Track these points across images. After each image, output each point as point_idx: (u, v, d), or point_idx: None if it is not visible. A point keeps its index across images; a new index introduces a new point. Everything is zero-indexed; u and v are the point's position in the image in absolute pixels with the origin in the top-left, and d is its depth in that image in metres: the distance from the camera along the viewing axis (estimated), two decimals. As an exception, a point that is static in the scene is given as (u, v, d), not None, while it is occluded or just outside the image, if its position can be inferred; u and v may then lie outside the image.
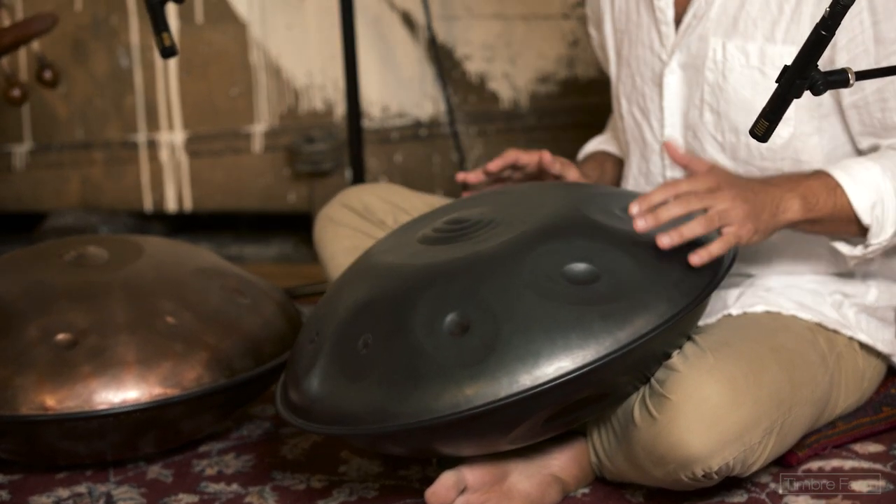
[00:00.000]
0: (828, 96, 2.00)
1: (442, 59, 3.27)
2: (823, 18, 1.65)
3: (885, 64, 1.95)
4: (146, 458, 2.22)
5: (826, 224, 1.95)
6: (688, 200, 1.85)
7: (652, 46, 2.12)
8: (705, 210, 1.85)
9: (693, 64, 2.08)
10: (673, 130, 2.12)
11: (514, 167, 2.17)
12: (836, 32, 1.95)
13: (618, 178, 2.29)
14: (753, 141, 2.03)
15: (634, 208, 1.84)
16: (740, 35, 2.03)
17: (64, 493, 2.13)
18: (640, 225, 1.83)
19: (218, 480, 2.14)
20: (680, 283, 1.84)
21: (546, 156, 2.15)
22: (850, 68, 1.70)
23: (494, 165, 2.15)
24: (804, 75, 1.69)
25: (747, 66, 2.03)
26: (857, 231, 1.96)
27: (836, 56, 1.98)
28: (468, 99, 3.31)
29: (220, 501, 2.07)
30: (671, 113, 2.12)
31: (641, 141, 2.17)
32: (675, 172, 2.12)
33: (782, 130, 2.02)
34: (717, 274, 1.88)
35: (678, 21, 2.09)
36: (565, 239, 1.86)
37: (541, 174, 2.18)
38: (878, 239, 1.95)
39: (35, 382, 2.11)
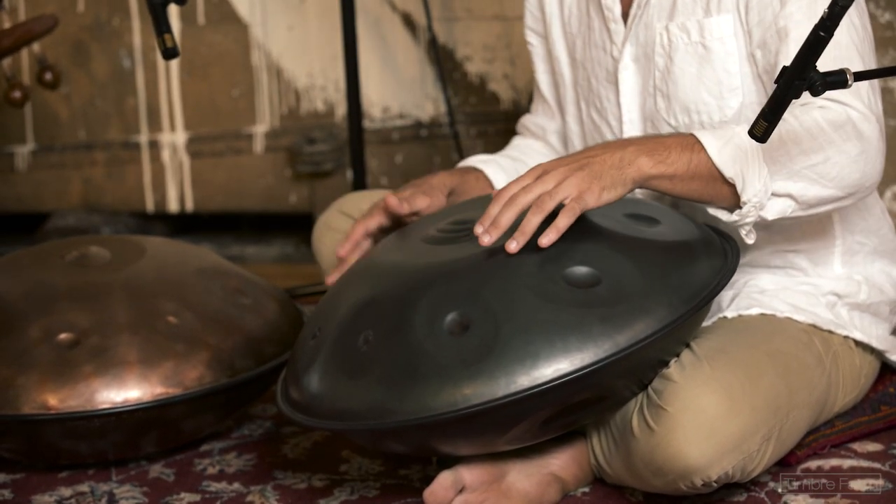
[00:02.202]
0: (753, 66, 2.01)
1: (442, 61, 3.27)
2: (822, 20, 1.65)
3: (782, 22, 1.94)
4: (148, 458, 2.23)
5: (689, 182, 1.87)
6: (517, 200, 1.85)
7: (605, 46, 2.13)
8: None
9: (644, 53, 2.09)
10: (632, 126, 2.13)
11: (370, 234, 2.14)
12: None
13: (477, 192, 2.22)
14: (706, 118, 2.04)
15: (479, 228, 1.84)
16: (680, 14, 2.04)
17: (66, 492, 2.14)
18: (485, 240, 1.83)
19: (219, 479, 2.15)
20: (680, 289, 1.84)
21: (391, 201, 2.10)
22: (848, 69, 1.70)
23: (344, 250, 2.12)
24: (803, 76, 1.69)
25: (690, 42, 2.03)
26: (730, 193, 1.89)
27: (748, 16, 1.99)
28: (469, 100, 3.32)
29: (222, 500, 2.08)
30: (628, 109, 2.12)
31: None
32: None
33: (731, 100, 2.02)
34: (717, 281, 1.88)
35: (626, 16, 2.10)
36: (567, 242, 1.87)
37: (399, 219, 2.14)
38: (747, 195, 1.87)
39: (37, 382, 2.11)
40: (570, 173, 1.84)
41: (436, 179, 2.18)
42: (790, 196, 1.89)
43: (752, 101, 2.02)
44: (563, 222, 1.82)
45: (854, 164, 1.89)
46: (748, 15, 1.99)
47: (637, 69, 2.11)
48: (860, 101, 1.90)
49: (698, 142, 1.87)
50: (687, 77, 2.04)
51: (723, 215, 1.92)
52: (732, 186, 1.87)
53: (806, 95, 1.83)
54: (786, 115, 1.89)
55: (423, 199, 2.13)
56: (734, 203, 1.89)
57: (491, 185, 2.24)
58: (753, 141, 1.84)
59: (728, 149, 1.86)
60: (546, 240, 1.82)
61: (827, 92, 1.81)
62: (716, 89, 2.03)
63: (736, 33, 2.01)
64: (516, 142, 2.37)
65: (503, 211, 1.85)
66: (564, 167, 1.86)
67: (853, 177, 1.90)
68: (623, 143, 1.89)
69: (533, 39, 2.30)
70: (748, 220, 1.90)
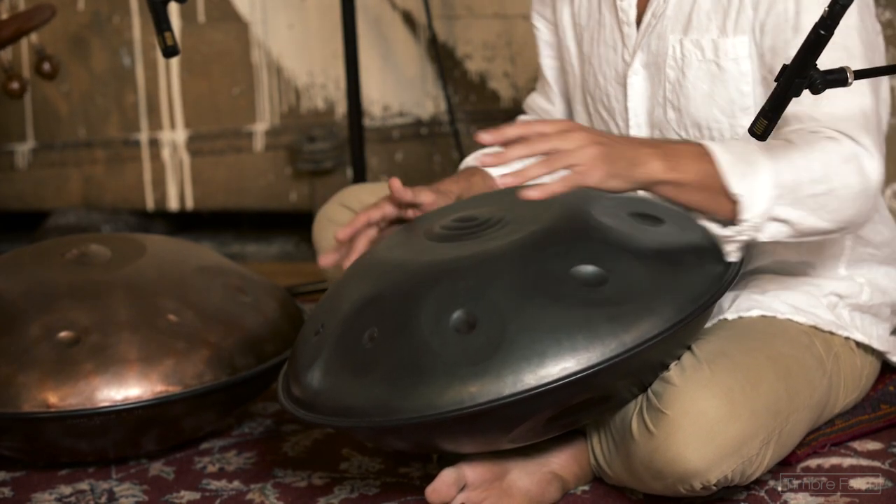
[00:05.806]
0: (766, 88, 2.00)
1: (443, 59, 3.27)
2: (822, 18, 1.65)
3: (791, 52, 1.88)
4: (148, 456, 2.23)
5: (694, 191, 1.86)
6: (535, 141, 1.82)
7: (615, 47, 2.12)
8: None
9: (655, 62, 2.07)
10: (639, 130, 2.11)
11: (372, 224, 2.10)
12: (765, 16, 1.94)
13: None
14: (717, 135, 2.03)
15: (486, 136, 1.81)
16: (695, 30, 2.03)
17: (66, 490, 2.14)
18: (487, 160, 1.82)
19: (219, 478, 2.15)
20: (686, 289, 1.84)
21: (395, 183, 2.07)
22: (848, 67, 1.70)
23: (344, 234, 2.07)
24: (803, 74, 1.69)
25: (703, 59, 2.02)
26: (731, 208, 1.87)
27: (762, 39, 1.98)
28: (469, 98, 3.32)
29: (222, 499, 2.08)
30: (636, 113, 2.11)
31: None
32: None
33: (743, 120, 2.00)
34: (723, 281, 1.88)
35: (639, 21, 2.09)
36: (574, 240, 1.86)
37: (400, 211, 2.10)
38: (747, 214, 1.85)
39: (38, 380, 2.11)
40: (590, 143, 1.82)
41: (443, 185, 2.17)
42: (788, 222, 1.88)
43: None
44: (556, 187, 1.80)
45: (854, 200, 1.88)
46: (763, 38, 1.98)
47: (647, 76, 2.09)
48: (869, 138, 1.89)
49: (708, 153, 1.86)
50: (699, 94, 2.03)
51: (716, 227, 1.90)
52: (735, 202, 1.86)
53: (816, 124, 1.86)
54: (797, 139, 1.89)
55: (429, 194, 2.11)
56: (732, 217, 1.88)
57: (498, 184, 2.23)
58: (765, 161, 1.84)
59: (740, 166, 1.85)
60: (533, 193, 1.80)
61: (839, 125, 1.82)
62: (728, 108, 2.02)
63: (751, 55, 1.99)
64: (521, 120, 2.36)
65: (514, 147, 1.81)
66: (588, 134, 1.83)
67: (849, 213, 1.89)
68: (641, 142, 1.88)
69: (539, 24, 2.28)
70: (741, 237, 1.89)
